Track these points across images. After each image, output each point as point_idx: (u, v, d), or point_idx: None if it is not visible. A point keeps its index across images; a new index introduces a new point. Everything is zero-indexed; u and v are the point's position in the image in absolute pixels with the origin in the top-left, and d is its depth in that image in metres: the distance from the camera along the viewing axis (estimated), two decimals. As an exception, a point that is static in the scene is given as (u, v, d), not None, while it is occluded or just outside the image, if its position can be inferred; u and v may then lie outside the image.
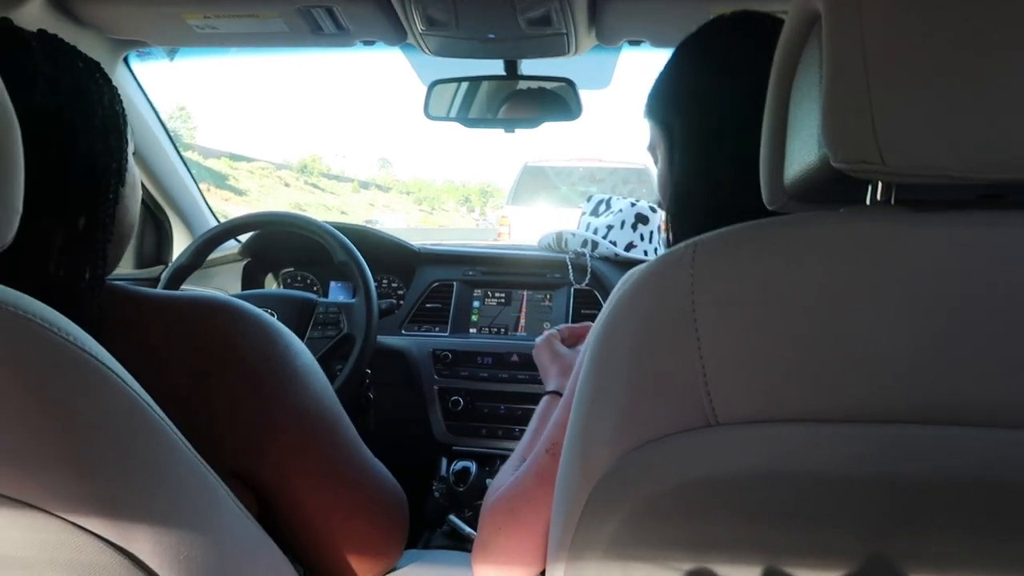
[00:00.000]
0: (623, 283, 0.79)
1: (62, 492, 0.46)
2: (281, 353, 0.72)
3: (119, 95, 0.71)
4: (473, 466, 1.59)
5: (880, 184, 0.49)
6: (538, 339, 1.04)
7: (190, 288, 1.70)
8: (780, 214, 0.53)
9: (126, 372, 0.52)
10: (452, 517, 1.52)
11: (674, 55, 0.81)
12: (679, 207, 0.79)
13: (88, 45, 1.35)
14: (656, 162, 0.85)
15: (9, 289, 0.48)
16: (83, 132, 0.66)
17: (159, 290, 0.73)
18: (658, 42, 1.33)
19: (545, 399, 0.93)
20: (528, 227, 6.89)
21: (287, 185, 32.90)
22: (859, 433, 0.44)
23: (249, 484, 0.69)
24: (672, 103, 0.79)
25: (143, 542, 0.49)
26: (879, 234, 0.46)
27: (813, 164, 0.48)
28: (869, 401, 0.44)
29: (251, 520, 0.63)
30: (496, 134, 1.71)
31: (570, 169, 7.90)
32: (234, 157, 31.23)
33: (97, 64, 0.70)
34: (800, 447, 0.44)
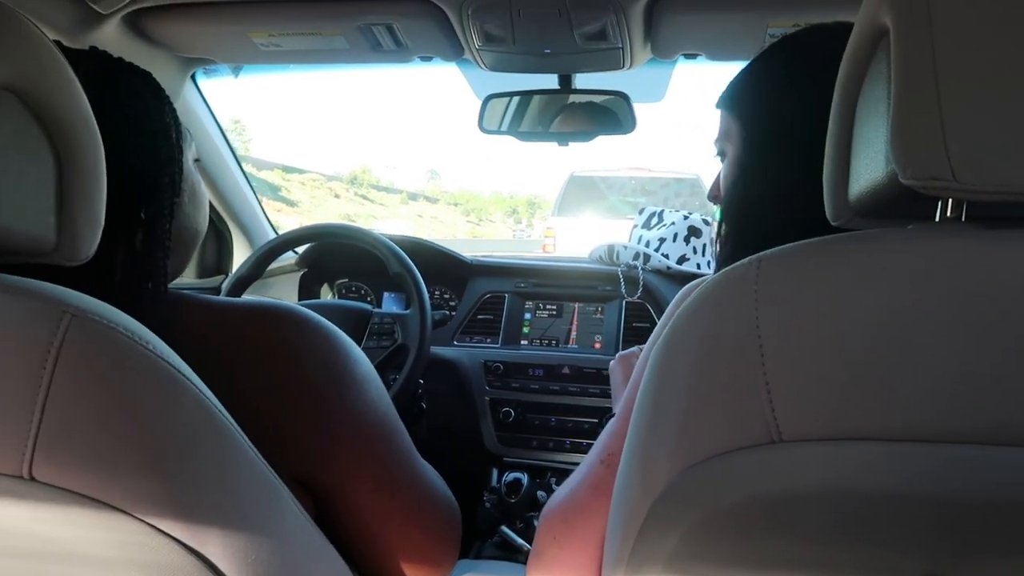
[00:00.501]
0: (683, 296, 0.78)
1: (141, 495, 0.47)
2: (342, 361, 0.73)
3: (171, 105, 0.72)
4: (525, 477, 1.60)
5: (950, 200, 0.48)
6: (618, 354, 1.03)
7: (251, 297, 1.75)
8: (843, 230, 0.52)
9: (198, 378, 0.54)
10: (504, 528, 1.52)
11: (769, 51, 0.78)
12: (745, 214, 0.77)
13: (159, 63, 1.41)
14: (721, 155, 0.83)
15: (93, 299, 0.51)
16: (132, 149, 0.67)
17: (223, 298, 0.75)
18: (714, 56, 1.32)
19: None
20: (574, 238, 6.82)
21: (337, 196, 33.48)
22: (925, 453, 0.43)
23: (309, 489, 0.70)
24: (759, 99, 0.77)
25: (214, 545, 0.50)
26: (950, 252, 0.45)
27: (880, 180, 0.48)
28: (936, 421, 0.43)
29: (312, 524, 0.64)
30: (545, 146, 1.72)
31: (622, 180, 7.77)
32: (286, 169, 31.91)
33: (148, 75, 0.72)
34: (865, 465, 0.44)
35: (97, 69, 0.67)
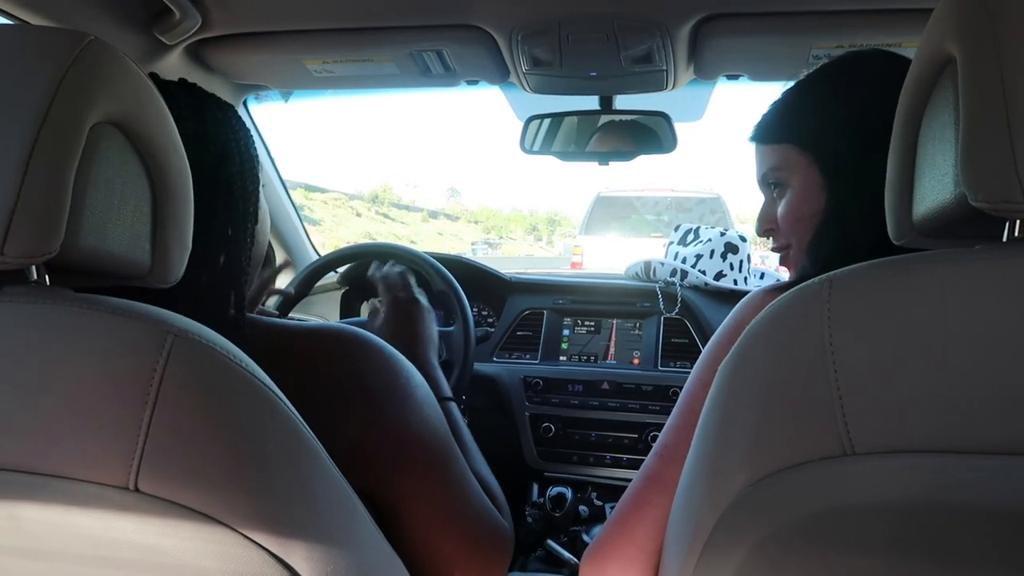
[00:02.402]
0: (746, 304, 0.79)
1: (238, 507, 0.49)
2: (402, 384, 0.74)
3: (251, 135, 0.75)
4: (569, 492, 1.61)
5: (1018, 221, 0.49)
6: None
7: (297, 316, 1.78)
8: (907, 250, 0.53)
9: (286, 397, 0.55)
10: (550, 542, 1.54)
11: (823, 75, 0.80)
12: (829, 243, 0.77)
13: (214, 90, 1.44)
14: (774, 186, 0.84)
15: (191, 320, 0.53)
16: (224, 181, 0.70)
17: (286, 320, 0.77)
18: (757, 76, 1.34)
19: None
20: (600, 255, 7.09)
21: (358, 215, 33.66)
22: (1000, 465, 0.43)
23: (373, 504, 0.71)
24: (843, 128, 0.77)
25: (299, 556, 0.51)
26: (1020, 271, 0.46)
27: (948, 202, 0.49)
28: (1010, 434, 0.43)
29: (383, 538, 0.65)
30: (564, 164, 1.74)
31: (656, 199, 8.04)
32: (309, 188, 32.17)
33: (233, 110, 0.75)
34: (937, 478, 0.44)
35: (193, 103, 0.71)
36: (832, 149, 0.78)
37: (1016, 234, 0.49)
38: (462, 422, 1.00)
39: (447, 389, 1.05)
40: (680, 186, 8.48)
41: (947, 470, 0.44)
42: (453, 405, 1.02)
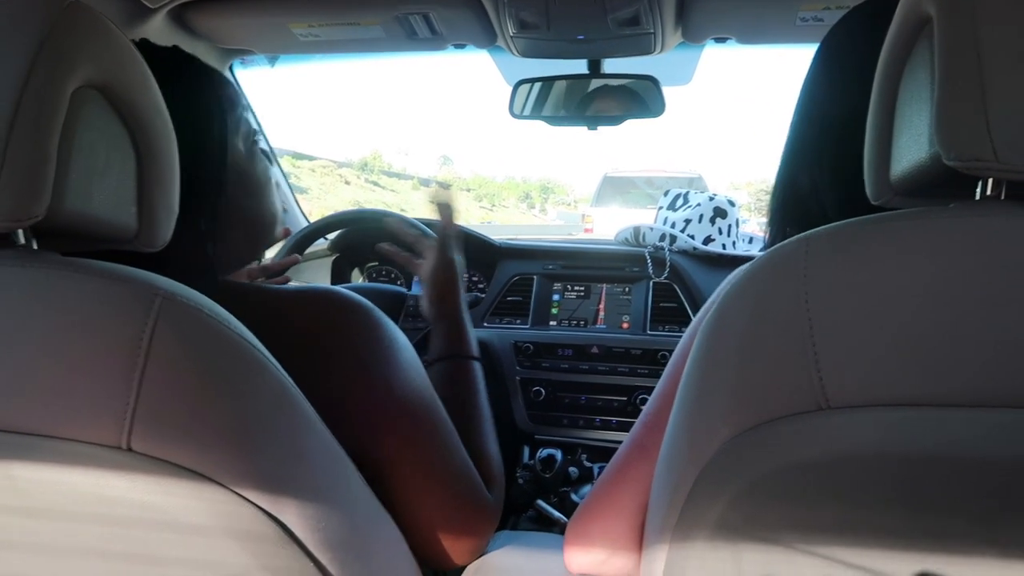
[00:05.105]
0: (734, 276, 0.81)
1: (229, 465, 0.50)
2: (386, 347, 0.75)
3: (216, 94, 0.74)
4: (559, 454, 1.63)
5: (991, 180, 0.49)
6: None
7: (298, 283, 1.78)
8: (883, 209, 0.54)
9: (273, 357, 0.56)
10: (540, 502, 1.56)
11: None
12: (780, 201, 0.80)
13: (199, 55, 1.43)
14: None
15: (180, 284, 0.54)
16: (183, 141, 0.67)
17: (274, 285, 0.78)
18: (745, 39, 1.34)
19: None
20: (607, 223, 8.76)
21: (347, 183, 33.36)
22: (971, 417, 0.44)
23: (360, 464, 0.71)
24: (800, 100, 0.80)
25: (290, 513, 0.53)
26: (992, 228, 0.47)
27: (923, 161, 0.49)
28: (982, 387, 0.44)
29: (373, 495, 0.67)
30: (557, 132, 1.74)
31: (650, 177, 10.11)
32: (296, 156, 31.80)
33: (196, 65, 0.73)
34: (909, 430, 0.45)
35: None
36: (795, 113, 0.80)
37: (988, 192, 0.50)
38: (482, 385, 0.98)
39: (475, 347, 1.03)
40: (670, 167, 10.59)
41: (919, 423, 0.45)
42: (477, 365, 1.00)
